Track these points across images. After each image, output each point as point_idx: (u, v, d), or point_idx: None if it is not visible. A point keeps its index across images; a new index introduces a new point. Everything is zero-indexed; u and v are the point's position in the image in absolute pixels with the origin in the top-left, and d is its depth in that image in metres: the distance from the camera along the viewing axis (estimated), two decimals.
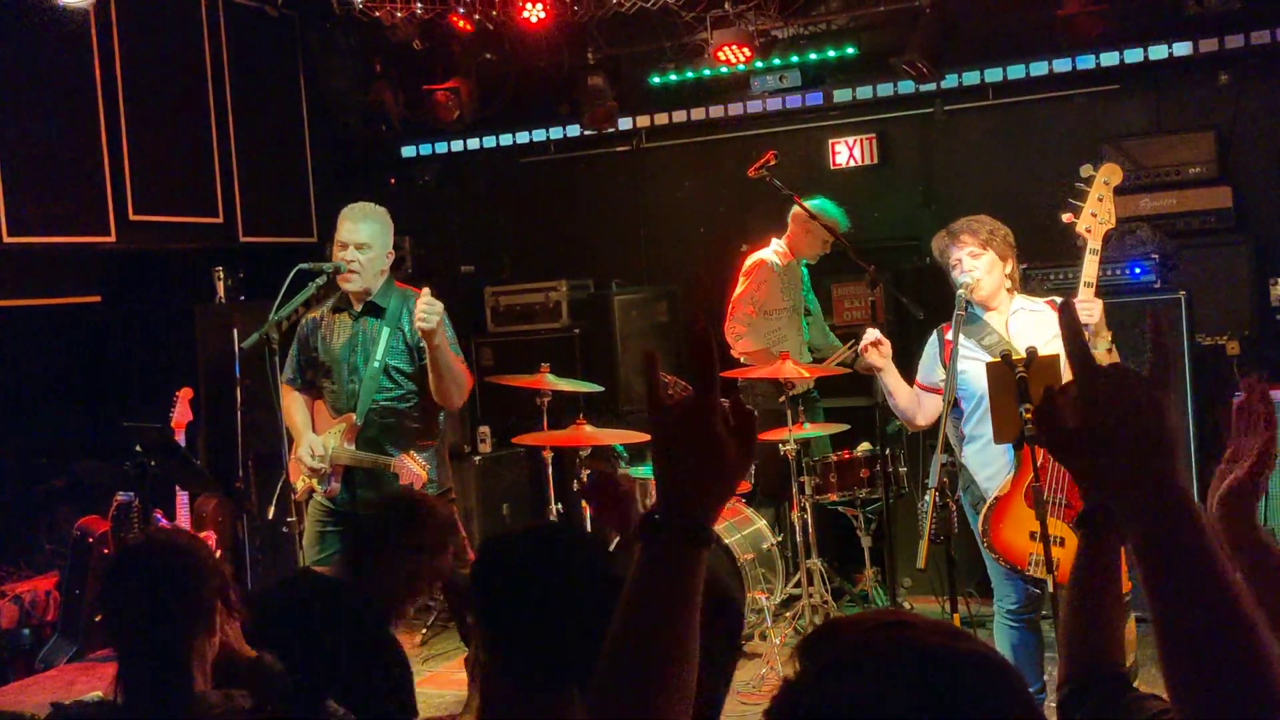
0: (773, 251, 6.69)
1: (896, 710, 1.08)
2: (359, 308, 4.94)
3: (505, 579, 1.84)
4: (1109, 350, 4.32)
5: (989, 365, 4.13)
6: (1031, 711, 1.14)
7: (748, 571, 5.82)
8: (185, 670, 2.24)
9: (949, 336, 4.42)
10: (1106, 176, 4.38)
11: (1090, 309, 4.22)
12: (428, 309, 4.55)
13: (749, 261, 6.71)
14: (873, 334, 4.61)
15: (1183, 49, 6.58)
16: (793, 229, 6.71)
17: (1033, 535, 4.23)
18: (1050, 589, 4.17)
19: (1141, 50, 6.66)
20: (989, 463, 4.44)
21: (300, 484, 4.85)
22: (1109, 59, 6.74)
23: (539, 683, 1.78)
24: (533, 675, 1.79)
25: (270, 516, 4.95)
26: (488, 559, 1.90)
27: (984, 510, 4.36)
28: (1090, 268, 4.27)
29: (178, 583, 2.30)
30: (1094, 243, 4.30)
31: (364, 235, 4.84)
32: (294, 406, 5.00)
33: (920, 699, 1.09)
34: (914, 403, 4.61)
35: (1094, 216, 4.32)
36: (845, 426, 6.45)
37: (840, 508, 6.40)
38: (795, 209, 6.58)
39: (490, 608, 1.83)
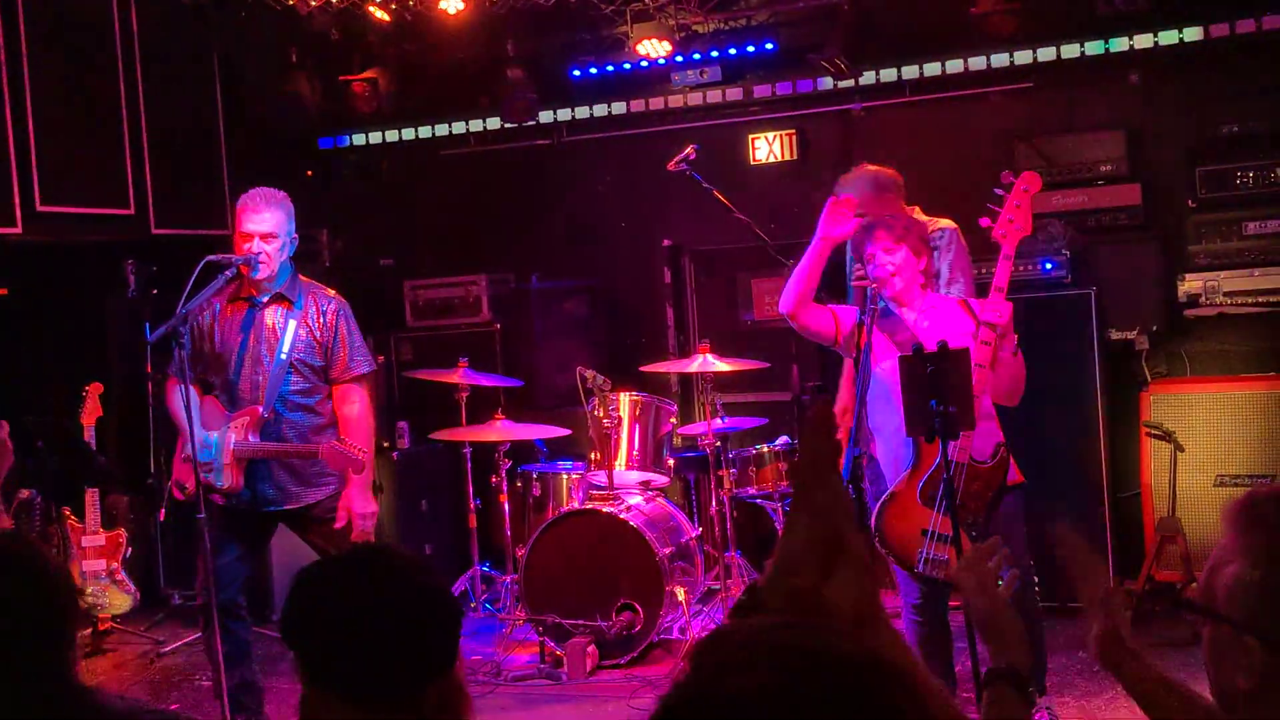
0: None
1: (785, 709, 1.07)
2: (263, 298, 4.87)
3: (315, 607, 1.81)
4: (1015, 353, 4.39)
5: (901, 359, 4.18)
6: (924, 709, 1.14)
7: (666, 565, 5.82)
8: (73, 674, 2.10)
9: (864, 319, 4.45)
10: (1026, 184, 4.45)
11: (1000, 311, 4.30)
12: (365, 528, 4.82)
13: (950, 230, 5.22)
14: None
15: (1094, 48, 6.69)
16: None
17: (923, 533, 4.29)
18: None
19: (1054, 49, 6.75)
20: (890, 456, 4.51)
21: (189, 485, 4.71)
22: (1022, 57, 6.82)
23: (364, 705, 1.75)
24: (354, 698, 1.76)
25: (163, 519, 4.85)
26: (298, 590, 1.86)
27: (878, 505, 4.41)
28: (1003, 273, 4.35)
29: (44, 588, 2.06)
30: (1008, 248, 4.38)
31: (269, 225, 4.76)
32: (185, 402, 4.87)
33: (809, 697, 1.08)
34: (808, 290, 4.59)
35: (1010, 222, 4.40)
36: (764, 420, 6.49)
37: (759, 501, 6.44)
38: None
39: (304, 637, 1.80)
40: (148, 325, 6.44)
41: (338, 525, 4.80)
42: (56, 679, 2.04)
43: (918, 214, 5.26)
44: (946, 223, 5.14)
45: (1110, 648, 1.96)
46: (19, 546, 2.11)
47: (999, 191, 4.46)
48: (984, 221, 4.46)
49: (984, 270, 5.97)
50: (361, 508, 4.82)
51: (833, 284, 6.55)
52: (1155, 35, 6.54)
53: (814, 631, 1.16)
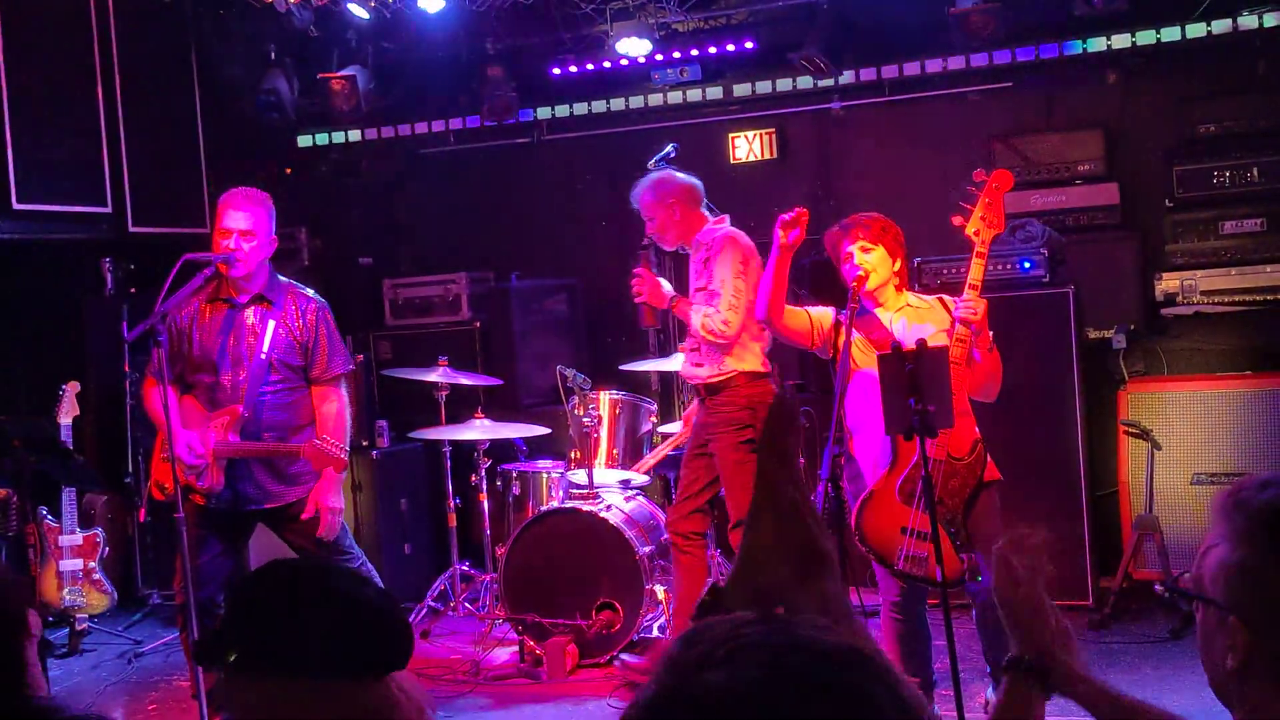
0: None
1: (766, 700, 1.08)
2: (243, 299, 4.85)
3: (260, 604, 1.79)
4: (990, 350, 4.41)
5: (880, 357, 4.19)
6: (902, 703, 1.15)
7: (646, 564, 5.83)
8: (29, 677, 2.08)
9: (843, 319, 4.47)
10: (997, 182, 4.48)
11: (974, 308, 4.31)
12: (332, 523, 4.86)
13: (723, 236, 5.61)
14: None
15: (1073, 48, 6.72)
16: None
17: (903, 530, 4.31)
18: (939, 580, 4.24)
19: (1033, 49, 6.78)
20: (869, 455, 4.52)
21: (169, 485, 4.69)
22: (1001, 57, 6.84)
23: (288, 678, 1.73)
24: (280, 675, 1.74)
25: (143, 519, 4.83)
26: (241, 590, 1.85)
27: (857, 503, 4.42)
28: (976, 270, 4.38)
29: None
30: (981, 246, 4.40)
31: (248, 223, 4.76)
32: (163, 401, 4.85)
33: (789, 687, 1.09)
34: (778, 298, 4.58)
35: (982, 220, 4.42)
36: None
37: None
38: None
39: (245, 631, 1.77)
40: (125, 324, 6.41)
41: (305, 516, 4.82)
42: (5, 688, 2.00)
43: (726, 224, 5.38)
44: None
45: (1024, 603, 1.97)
46: None
47: (971, 189, 4.49)
48: (955, 219, 4.48)
49: (958, 269, 6.01)
50: (332, 503, 4.85)
51: (818, 283, 6.59)
52: (1133, 36, 6.57)
53: (791, 625, 1.16)
